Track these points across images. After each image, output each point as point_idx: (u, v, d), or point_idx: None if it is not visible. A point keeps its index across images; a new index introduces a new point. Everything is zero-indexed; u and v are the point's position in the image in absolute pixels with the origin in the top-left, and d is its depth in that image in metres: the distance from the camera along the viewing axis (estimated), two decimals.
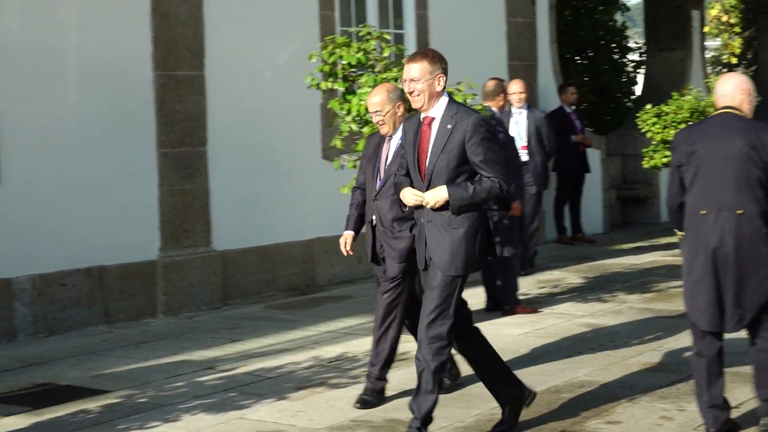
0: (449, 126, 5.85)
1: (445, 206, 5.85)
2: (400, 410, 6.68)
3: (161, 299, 10.18)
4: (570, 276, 11.84)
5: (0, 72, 9.15)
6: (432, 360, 5.85)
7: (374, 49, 8.76)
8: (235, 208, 10.91)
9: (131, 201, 10.07)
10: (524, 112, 12.04)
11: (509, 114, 11.73)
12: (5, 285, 9.19)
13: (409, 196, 5.95)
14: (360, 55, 8.57)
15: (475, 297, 10.32)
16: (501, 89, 10.32)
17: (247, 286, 11.00)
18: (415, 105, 5.96)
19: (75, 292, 9.65)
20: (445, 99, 5.95)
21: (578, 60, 18.75)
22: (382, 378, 7.01)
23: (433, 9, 13.10)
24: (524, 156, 11.69)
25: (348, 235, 7.24)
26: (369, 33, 8.86)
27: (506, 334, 8.88)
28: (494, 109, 10.00)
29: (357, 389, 7.18)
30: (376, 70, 8.70)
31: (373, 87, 8.55)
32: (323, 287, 11.55)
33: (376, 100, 6.93)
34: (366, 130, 8.64)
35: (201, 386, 7.53)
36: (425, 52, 6.01)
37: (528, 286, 11.06)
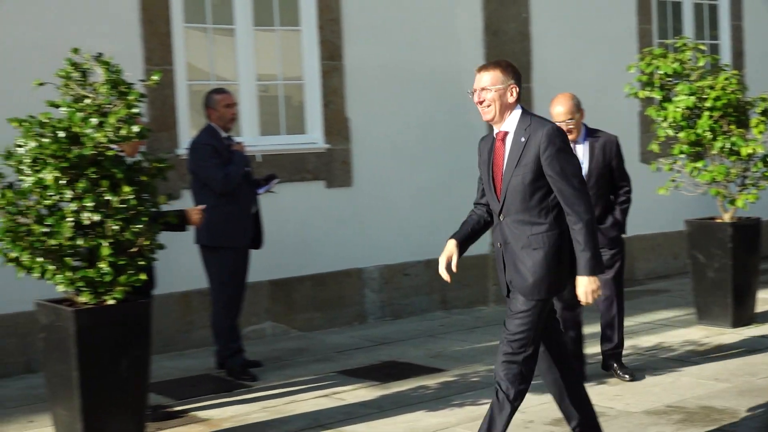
0: (523, 139, 5.08)
1: (522, 227, 5.16)
2: (715, 398, 6.54)
3: (492, 289, 10.39)
4: None
5: (351, 88, 9.59)
6: (509, 387, 5.20)
7: (689, 59, 8.60)
8: None
9: (464, 201, 10.29)
10: None
11: None
12: (357, 274, 9.69)
13: (442, 272, 5.52)
14: (676, 65, 8.45)
15: None
16: None
17: None
18: (485, 117, 5.20)
19: (416, 281, 10.03)
20: (518, 112, 5.17)
21: None
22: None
23: (748, 19, 12.63)
24: None
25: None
26: (684, 44, 8.72)
27: None
28: None
29: (673, 377, 7.09)
30: (692, 78, 8.55)
31: (689, 95, 8.44)
32: (641, 281, 11.38)
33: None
34: (682, 135, 8.51)
35: None
36: (498, 62, 5.24)
37: None
